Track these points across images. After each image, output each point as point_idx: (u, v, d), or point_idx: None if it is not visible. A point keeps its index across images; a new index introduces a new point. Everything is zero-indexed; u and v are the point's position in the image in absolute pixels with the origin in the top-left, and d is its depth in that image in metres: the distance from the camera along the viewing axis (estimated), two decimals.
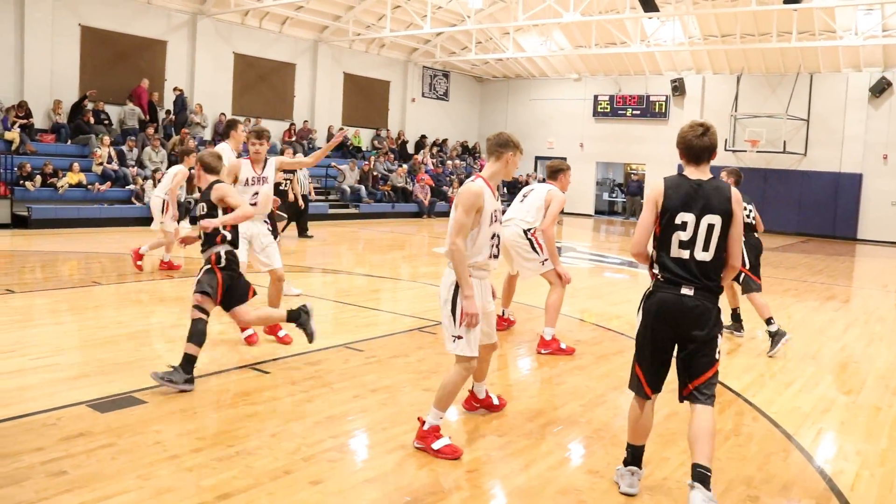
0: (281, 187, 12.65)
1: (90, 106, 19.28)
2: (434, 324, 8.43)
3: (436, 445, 4.63)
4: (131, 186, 18.19)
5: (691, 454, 4.02)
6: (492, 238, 4.80)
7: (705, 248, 4.06)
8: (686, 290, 4.05)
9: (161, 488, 3.96)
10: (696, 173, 4.17)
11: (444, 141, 30.62)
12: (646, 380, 4.27)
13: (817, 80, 25.68)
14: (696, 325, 4.05)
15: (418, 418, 4.81)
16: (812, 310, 10.90)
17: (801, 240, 24.38)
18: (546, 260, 7.52)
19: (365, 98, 28.10)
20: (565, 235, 22.63)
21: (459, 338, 4.70)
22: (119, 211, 17.63)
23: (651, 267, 4.21)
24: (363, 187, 23.88)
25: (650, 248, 4.21)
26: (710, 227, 4.05)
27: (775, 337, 7.85)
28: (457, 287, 4.68)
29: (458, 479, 4.32)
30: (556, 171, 7.85)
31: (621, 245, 20.65)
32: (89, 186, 17.44)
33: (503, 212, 5.73)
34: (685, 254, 4.07)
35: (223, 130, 8.99)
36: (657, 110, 28.88)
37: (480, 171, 5.01)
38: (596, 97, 30.19)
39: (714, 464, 4.69)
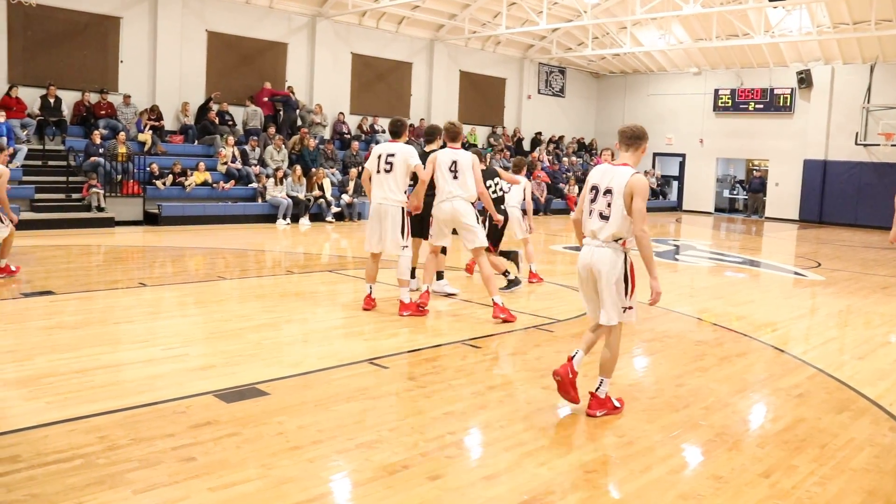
0: None
1: (215, 107, 20.05)
2: (551, 322, 8.36)
3: (617, 404, 5.42)
4: (254, 184, 18.82)
5: None
6: None
7: None
8: None
9: (283, 478, 4.06)
10: None
11: (561, 138, 30.35)
12: None
13: None
14: None
15: (589, 392, 5.37)
16: None
17: None
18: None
19: (481, 95, 28.16)
20: (684, 233, 22.05)
21: (630, 308, 5.29)
22: (242, 208, 18.27)
23: None
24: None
25: None
26: None
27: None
28: (625, 265, 5.26)
29: (576, 479, 4.25)
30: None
31: (742, 243, 19.97)
32: (214, 185, 18.15)
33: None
34: None
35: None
36: (781, 104, 27.73)
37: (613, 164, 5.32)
38: (716, 91, 29.25)
39: (847, 474, 4.48)
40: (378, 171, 8.22)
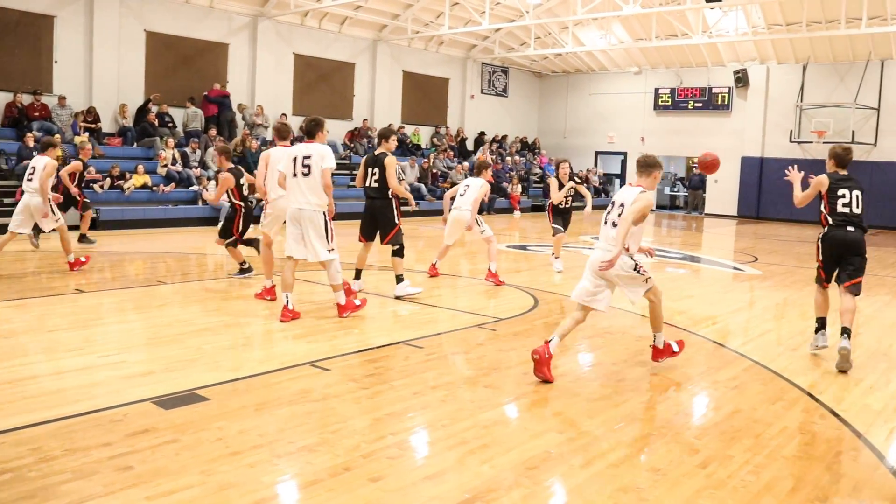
0: None
1: (154, 109, 19.71)
2: (494, 320, 8.40)
3: (675, 348, 6.73)
4: (195, 187, 18.55)
5: None
6: None
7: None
8: None
9: (223, 484, 4.02)
10: None
11: (504, 137, 30.51)
12: None
13: (889, 66, 24.87)
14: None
15: (650, 346, 6.73)
16: (883, 304, 10.56)
17: (872, 233, 23.60)
18: None
19: (424, 96, 28.18)
20: None
21: (648, 279, 6.40)
22: (183, 211, 17.99)
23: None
24: (423, 185, 23.94)
25: None
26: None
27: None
28: (633, 260, 6.34)
29: (518, 475, 4.28)
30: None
31: (683, 240, 20.32)
32: (154, 188, 17.85)
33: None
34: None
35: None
36: (720, 102, 28.32)
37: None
38: (657, 90, 29.74)
39: (780, 462, 4.60)
40: (294, 175, 7.87)
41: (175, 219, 17.59)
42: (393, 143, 9.49)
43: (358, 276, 9.77)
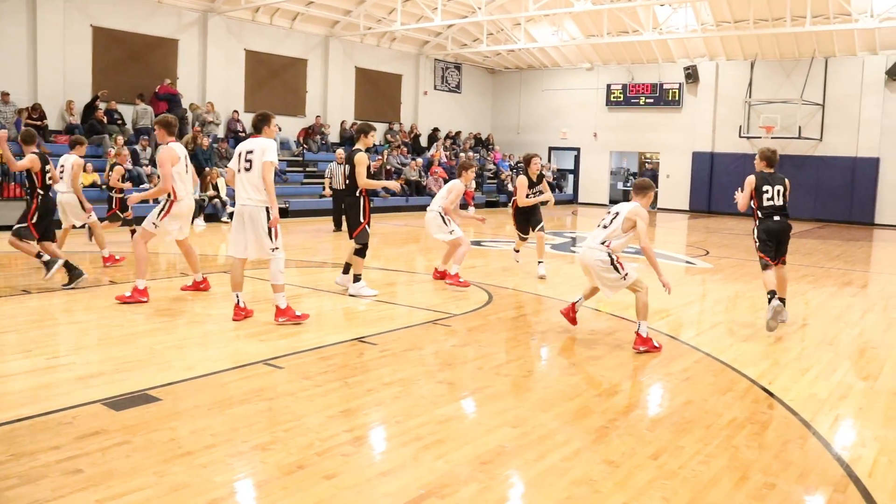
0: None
1: (103, 106, 19.36)
2: (448, 316, 8.42)
3: (656, 344, 7.19)
4: (146, 185, 18.26)
5: None
6: None
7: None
8: None
9: (176, 485, 3.97)
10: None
11: (458, 133, 30.55)
12: None
13: (833, 64, 25.44)
14: None
15: (636, 331, 7.19)
16: (829, 295, 10.81)
17: (818, 225, 24.20)
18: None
19: (377, 92, 28.09)
20: (579, 226, 22.55)
21: (627, 275, 7.14)
22: (134, 209, 17.62)
23: None
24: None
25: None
26: None
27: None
28: (609, 256, 7.16)
29: (472, 470, 4.30)
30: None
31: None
32: (104, 186, 17.51)
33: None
34: None
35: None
36: (671, 98, 28.70)
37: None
38: (609, 86, 30.03)
39: (730, 451, 4.68)
40: (238, 171, 7.77)
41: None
42: (371, 138, 9.38)
43: (346, 271, 9.76)
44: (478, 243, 15.93)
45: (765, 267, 8.45)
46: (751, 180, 8.55)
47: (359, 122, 10.55)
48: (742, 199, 8.64)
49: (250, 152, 7.73)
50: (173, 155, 8.81)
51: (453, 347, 7.10)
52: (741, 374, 6.50)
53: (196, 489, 3.94)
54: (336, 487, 4.03)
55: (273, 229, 7.72)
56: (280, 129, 23.51)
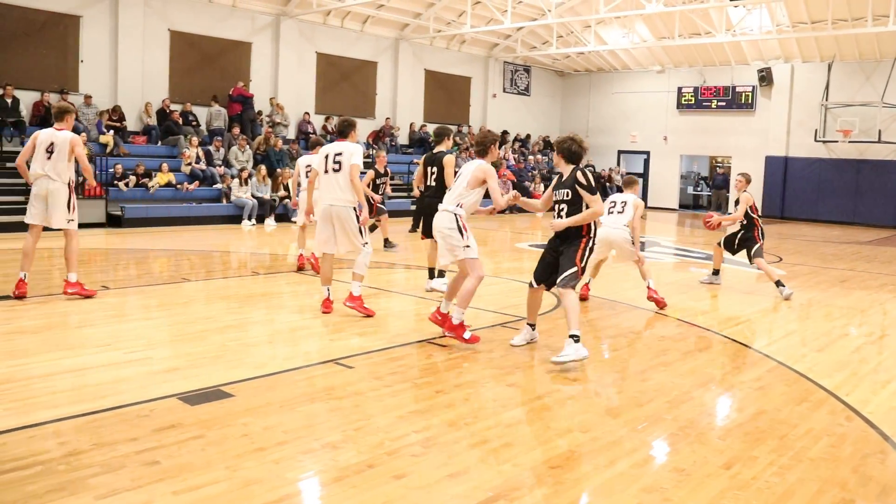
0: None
1: (174, 108, 19.86)
2: (516, 319, 8.40)
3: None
4: (219, 185, 18.68)
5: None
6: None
7: None
8: None
9: (248, 480, 4.05)
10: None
11: (527, 136, 30.46)
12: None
13: None
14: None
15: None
16: None
17: (894, 234, 23.42)
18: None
19: (446, 94, 28.19)
20: (649, 230, 22.25)
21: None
22: (207, 209, 18.12)
23: None
24: None
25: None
26: None
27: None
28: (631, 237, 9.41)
29: (541, 474, 4.28)
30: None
31: (706, 239, 20.17)
32: (178, 186, 17.99)
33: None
34: None
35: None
36: (743, 101, 28.11)
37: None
38: (680, 89, 29.57)
39: (805, 464, 4.56)
40: (326, 171, 8.08)
41: (199, 216, 17.73)
42: (451, 141, 9.73)
43: (432, 275, 9.79)
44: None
45: (762, 257, 11.00)
46: (750, 198, 10.95)
47: (437, 126, 10.55)
48: (738, 214, 11.00)
49: (339, 154, 8.06)
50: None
51: (521, 351, 7.07)
52: (817, 384, 6.33)
53: (268, 485, 4.00)
54: (405, 487, 4.05)
55: (363, 227, 8.14)
56: None
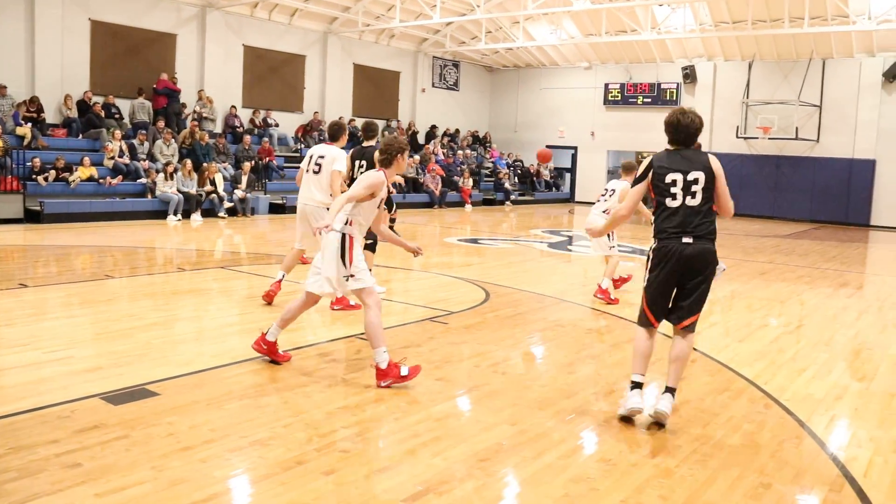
0: None
1: (96, 100, 19.32)
2: (445, 313, 8.44)
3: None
4: (143, 180, 18.24)
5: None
6: None
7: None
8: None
9: (175, 479, 3.98)
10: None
11: (456, 131, 30.56)
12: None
13: (830, 65, 25.46)
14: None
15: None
16: (825, 296, 10.84)
17: (814, 226, 24.25)
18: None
19: (375, 89, 28.08)
20: (577, 224, 22.58)
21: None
22: (131, 204, 17.68)
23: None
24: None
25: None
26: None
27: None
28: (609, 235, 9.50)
29: (470, 467, 4.32)
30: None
31: (632, 233, 20.57)
32: (101, 180, 17.50)
33: None
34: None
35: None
36: (668, 98, 28.70)
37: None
38: (606, 85, 30.04)
39: (727, 450, 4.71)
40: (307, 171, 8.41)
41: (123, 212, 17.29)
42: (380, 136, 9.86)
43: None
44: (475, 241, 15.97)
45: None
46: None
47: (365, 120, 10.42)
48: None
49: (322, 157, 8.32)
50: None
51: (450, 345, 7.11)
52: (737, 373, 6.53)
53: (195, 484, 3.95)
54: (335, 483, 4.04)
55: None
56: (278, 125, 23.57)
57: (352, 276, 5.82)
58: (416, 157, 25.67)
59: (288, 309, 6.22)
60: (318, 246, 8.03)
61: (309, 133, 24.35)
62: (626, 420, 5.20)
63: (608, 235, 9.60)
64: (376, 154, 6.16)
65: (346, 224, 5.82)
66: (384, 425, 5.00)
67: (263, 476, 4.10)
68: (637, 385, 5.20)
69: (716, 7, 23.97)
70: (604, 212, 9.54)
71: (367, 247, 9.28)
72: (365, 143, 9.54)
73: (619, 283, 10.24)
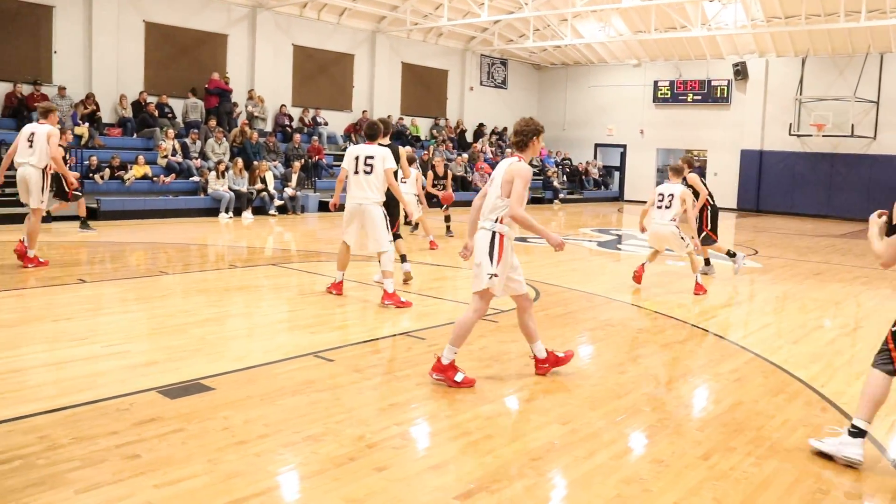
0: None
1: (150, 100, 19.68)
2: (495, 312, 8.43)
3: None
4: (195, 178, 18.54)
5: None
6: None
7: None
8: None
9: (230, 473, 4.04)
10: None
11: (504, 129, 30.50)
12: None
13: (888, 59, 24.86)
14: None
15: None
16: (884, 298, 10.60)
17: None
18: None
19: (423, 87, 28.15)
20: (625, 223, 22.38)
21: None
22: (184, 202, 18.00)
23: None
24: (423, 176, 23.90)
25: None
26: None
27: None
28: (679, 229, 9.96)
29: (521, 466, 4.32)
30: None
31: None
32: (155, 179, 17.84)
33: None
34: None
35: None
36: (719, 95, 28.30)
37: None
38: (656, 83, 29.71)
39: (782, 454, 4.63)
40: (356, 172, 8.49)
41: (176, 209, 17.61)
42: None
43: (404, 259, 10.06)
44: (524, 240, 15.92)
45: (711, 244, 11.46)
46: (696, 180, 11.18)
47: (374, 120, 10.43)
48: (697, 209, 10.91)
49: (371, 157, 8.49)
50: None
51: (501, 343, 7.10)
52: (793, 375, 6.41)
53: (249, 478, 4.00)
54: (387, 480, 4.07)
55: (388, 226, 8.55)
56: (327, 124, 23.76)
57: (495, 275, 5.63)
58: (465, 156, 25.67)
59: (523, 326, 6.12)
60: (376, 246, 8.41)
61: (358, 132, 24.48)
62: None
63: (681, 236, 9.97)
64: (511, 137, 5.99)
65: (496, 222, 5.64)
66: (435, 422, 5.02)
67: (316, 472, 4.14)
68: (860, 433, 4.51)
69: (768, 2, 23.56)
70: (671, 220, 9.88)
71: (394, 236, 9.40)
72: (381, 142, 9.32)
73: (638, 276, 10.44)
